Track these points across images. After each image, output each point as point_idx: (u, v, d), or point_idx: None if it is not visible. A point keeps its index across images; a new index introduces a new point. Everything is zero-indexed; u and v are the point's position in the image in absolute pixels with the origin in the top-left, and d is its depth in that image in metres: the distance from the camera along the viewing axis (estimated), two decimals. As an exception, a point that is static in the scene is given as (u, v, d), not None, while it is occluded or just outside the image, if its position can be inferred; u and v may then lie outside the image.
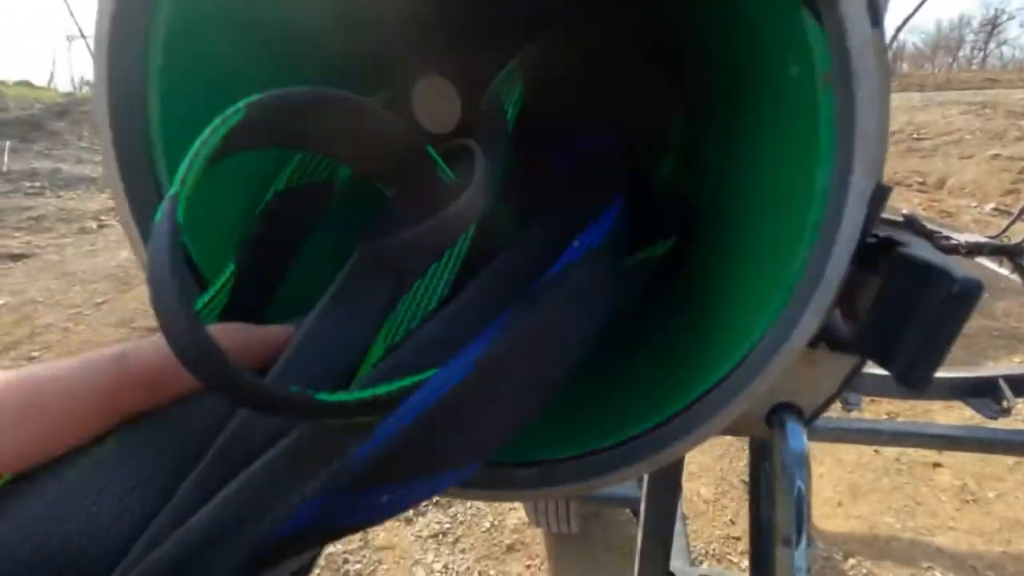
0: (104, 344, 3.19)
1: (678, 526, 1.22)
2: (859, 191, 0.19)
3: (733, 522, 1.93)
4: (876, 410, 2.49)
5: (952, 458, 2.17)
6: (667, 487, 0.92)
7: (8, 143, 6.90)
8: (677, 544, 1.05)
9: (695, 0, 0.35)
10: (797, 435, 0.25)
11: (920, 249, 0.20)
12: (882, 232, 0.21)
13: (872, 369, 1.62)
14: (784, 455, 0.25)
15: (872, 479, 2.09)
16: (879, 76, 0.19)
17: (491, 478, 0.26)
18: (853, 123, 0.19)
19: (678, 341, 0.30)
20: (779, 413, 0.25)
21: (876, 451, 2.22)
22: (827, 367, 0.24)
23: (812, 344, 0.21)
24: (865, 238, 0.19)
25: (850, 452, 2.22)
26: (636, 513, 1.64)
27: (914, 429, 1.61)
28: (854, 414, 1.79)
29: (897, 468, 2.14)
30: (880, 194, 0.20)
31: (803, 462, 0.25)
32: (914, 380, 0.20)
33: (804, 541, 0.25)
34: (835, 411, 2.37)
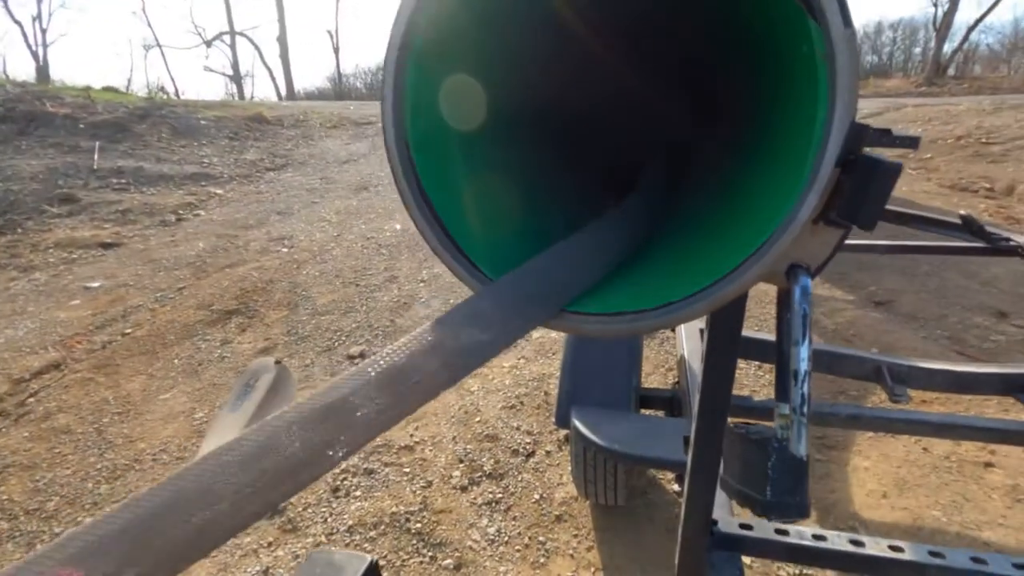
0: (186, 323, 3.50)
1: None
2: (840, 121, 0.31)
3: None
4: (926, 410, 2.47)
5: (1005, 459, 2.14)
6: (711, 449, 1.03)
7: (98, 143, 7.53)
8: (719, 498, 1.15)
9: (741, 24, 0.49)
10: (806, 281, 0.37)
11: (873, 153, 0.32)
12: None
13: (921, 363, 1.66)
14: (797, 292, 0.37)
15: (920, 475, 2.10)
16: (850, 54, 0.31)
17: (610, 319, 0.40)
18: (835, 80, 0.31)
19: (729, 226, 0.43)
20: (794, 269, 0.37)
21: (925, 449, 2.22)
22: (825, 236, 0.37)
23: (815, 220, 0.33)
24: (847, 153, 0.31)
25: (897, 448, 2.23)
26: (681, 479, 1.73)
27: (963, 422, 1.60)
28: (901, 406, 1.82)
29: (946, 466, 2.14)
30: (856, 129, 0.31)
31: (809, 297, 0.37)
32: (864, 222, 0.32)
33: (807, 342, 0.37)
34: (884, 402, 2.37)
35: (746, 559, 1.46)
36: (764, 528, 1.09)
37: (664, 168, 0.68)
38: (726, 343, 0.85)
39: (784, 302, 0.38)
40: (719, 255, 0.38)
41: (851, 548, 1.03)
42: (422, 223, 0.44)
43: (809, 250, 0.38)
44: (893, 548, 1.03)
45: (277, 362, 1.39)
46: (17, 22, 26.05)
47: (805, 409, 0.37)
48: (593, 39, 0.58)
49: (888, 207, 2.21)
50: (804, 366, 0.37)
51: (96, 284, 4.15)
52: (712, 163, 0.60)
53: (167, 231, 5.35)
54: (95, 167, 6.87)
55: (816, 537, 1.06)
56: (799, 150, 0.33)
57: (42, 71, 24.35)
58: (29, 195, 5.96)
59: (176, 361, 3.12)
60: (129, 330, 3.46)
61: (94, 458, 2.37)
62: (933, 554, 1.02)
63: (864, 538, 1.05)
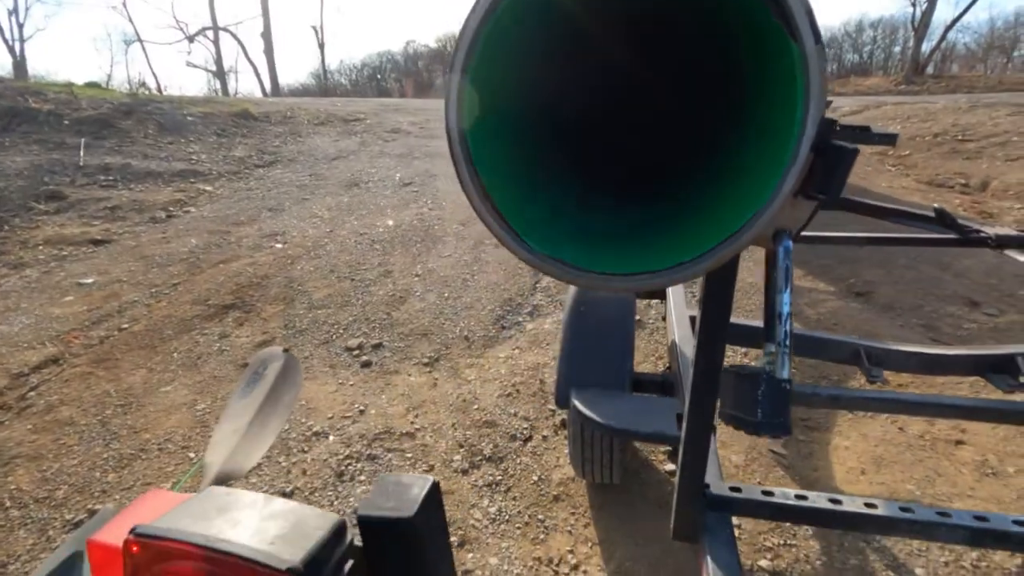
0: (183, 318, 3.53)
1: (711, 456, 1.40)
2: (813, 116, 0.40)
3: (761, 483, 2.09)
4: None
5: (975, 437, 2.28)
6: (702, 423, 1.12)
7: (84, 140, 7.46)
8: (711, 468, 1.24)
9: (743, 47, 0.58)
10: (787, 242, 0.46)
11: (840, 141, 0.41)
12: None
13: (897, 346, 1.80)
14: (781, 252, 0.46)
15: (895, 453, 2.22)
16: (820, 65, 0.40)
17: (632, 277, 0.49)
18: (809, 85, 0.40)
19: (728, 200, 0.52)
20: (779, 234, 0.46)
21: (900, 429, 2.35)
22: (802, 207, 0.46)
23: (795, 194, 0.42)
24: (819, 141, 0.40)
25: (875, 428, 2.35)
26: (674, 452, 1.82)
27: (936, 400, 1.71)
28: (877, 386, 1.93)
29: (920, 444, 2.27)
30: (825, 123, 0.41)
31: (790, 255, 0.46)
32: (831, 195, 0.41)
33: (788, 290, 0.46)
34: (860, 383, 2.49)
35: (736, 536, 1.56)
36: (751, 490, 1.19)
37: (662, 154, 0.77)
38: (717, 326, 0.94)
39: (771, 260, 0.47)
40: (718, 223, 0.47)
41: (830, 506, 1.13)
42: (472, 193, 0.52)
43: (791, 218, 0.47)
44: (868, 505, 1.13)
45: (285, 350, 1.46)
46: (-7, 16, 25.49)
47: (788, 343, 0.46)
48: (613, 46, 0.66)
49: (866, 201, 2.33)
50: (786, 309, 0.47)
51: (89, 280, 4.16)
52: (705, 151, 0.69)
53: (158, 228, 5.34)
54: (81, 164, 6.81)
55: (798, 497, 1.16)
56: (781, 140, 0.42)
57: (19, 66, 23.89)
58: (15, 192, 5.90)
59: (175, 355, 3.16)
60: (126, 325, 3.49)
61: (100, 448, 2.41)
62: (903, 509, 1.12)
63: (842, 497, 1.15)
